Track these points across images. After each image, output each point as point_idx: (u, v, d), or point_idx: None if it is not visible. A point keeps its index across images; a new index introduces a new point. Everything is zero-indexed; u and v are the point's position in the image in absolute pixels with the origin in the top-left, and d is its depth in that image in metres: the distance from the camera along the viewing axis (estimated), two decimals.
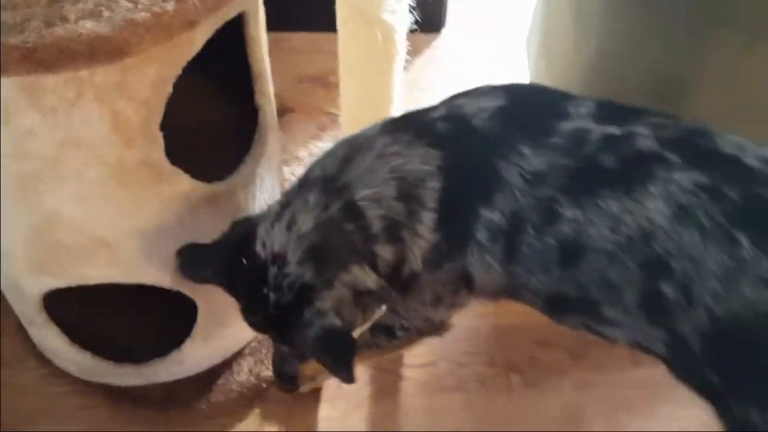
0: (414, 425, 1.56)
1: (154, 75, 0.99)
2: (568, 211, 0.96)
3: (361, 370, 1.59)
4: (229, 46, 1.16)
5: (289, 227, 1.06)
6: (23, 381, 1.57)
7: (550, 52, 1.76)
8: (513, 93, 1.09)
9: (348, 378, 1.08)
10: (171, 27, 0.89)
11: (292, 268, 1.04)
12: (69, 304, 1.37)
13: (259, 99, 1.30)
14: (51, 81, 0.92)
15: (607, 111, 1.02)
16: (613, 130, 0.97)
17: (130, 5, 0.87)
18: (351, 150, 1.09)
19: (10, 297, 1.44)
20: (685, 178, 0.90)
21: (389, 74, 1.57)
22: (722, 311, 0.87)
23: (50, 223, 1.13)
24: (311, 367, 1.26)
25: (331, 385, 1.57)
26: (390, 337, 1.32)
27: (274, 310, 1.07)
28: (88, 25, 0.84)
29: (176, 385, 1.53)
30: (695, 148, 0.95)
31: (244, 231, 1.11)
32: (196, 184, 1.16)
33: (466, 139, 1.04)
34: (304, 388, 1.54)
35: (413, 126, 1.09)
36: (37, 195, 1.08)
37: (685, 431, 1.49)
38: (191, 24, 0.92)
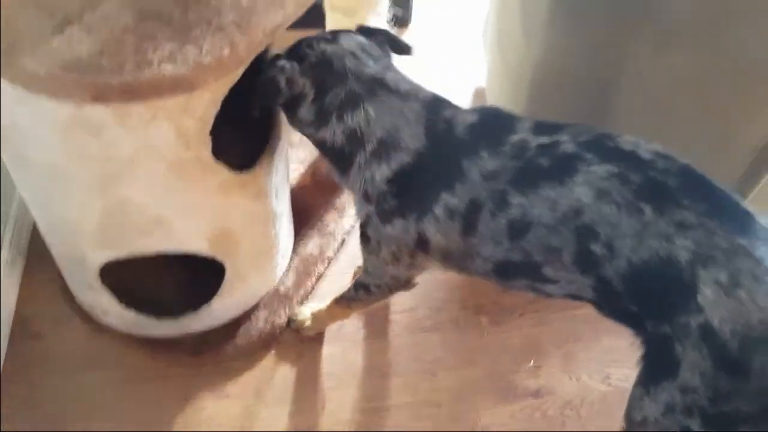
0: (401, 359, 1.83)
1: (209, 97, 1.25)
2: (516, 199, 1.22)
3: (356, 316, 1.86)
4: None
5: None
6: (72, 336, 1.81)
7: (503, 49, 2.01)
8: (483, 113, 1.35)
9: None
10: (228, 67, 1.17)
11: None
12: (119, 271, 1.61)
13: None
14: (135, 106, 1.18)
15: (541, 126, 1.28)
16: (545, 139, 1.25)
17: (196, 51, 1.14)
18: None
19: (69, 267, 1.70)
20: (600, 169, 1.17)
21: None
22: (636, 258, 1.14)
23: (121, 208, 1.39)
24: None
25: (333, 329, 1.85)
26: (368, 293, 1.60)
27: None
28: (168, 68, 1.12)
29: (206, 334, 1.80)
30: (604, 147, 1.21)
31: None
32: (231, 174, 1.43)
33: (445, 140, 1.31)
34: (310, 332, 1.83)
35: (430, 116, 1.33)
36: (112, 186, 1.35)
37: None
38: (241, 62, 1.20)
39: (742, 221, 1.13)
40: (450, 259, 1.39)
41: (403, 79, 1.39)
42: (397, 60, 1.47)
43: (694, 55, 1.50)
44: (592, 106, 1.71)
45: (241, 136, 1.46)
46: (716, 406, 1.09)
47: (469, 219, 1.28)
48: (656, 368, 1.17)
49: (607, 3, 1.55)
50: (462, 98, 2.48)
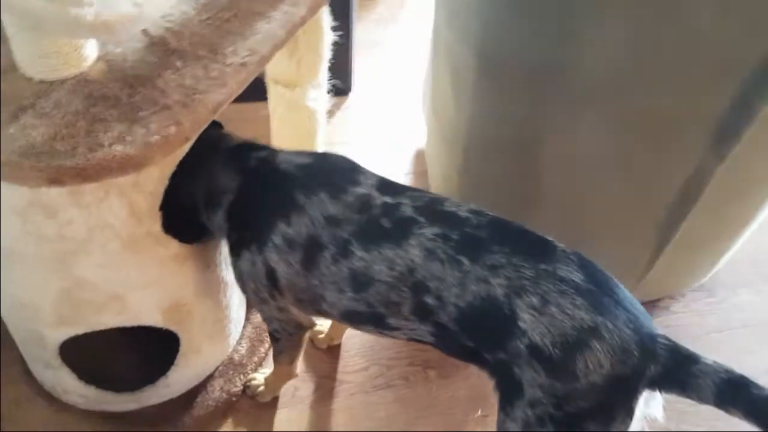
0: (355, 419, 1.89)
1: (158, 173, 1.34)
2: (359, 252, 1.34)
3: (309, 379, 1.95)
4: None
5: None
6: (35, 417, 1.82)
7: (438, 111, 2.14)
8: (318, 158, 1.49)
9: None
10: (174, 144, 1.25)
11: None
12: (77, 349, 1.65)
13: None
14: (88, 185, 1.26)
15: (384, 186, 1.41)
16: (389, 199, 1.37)
17: (143, 131, 1.22)
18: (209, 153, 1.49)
19: (28, 346, 1.74)
20: (428, 231, 1.30)
21: (314, 143, 1.93)
22: (463, 303, 1.27)
23: (77, 286, 1.45)
24: None
25: (287, 393, 1.91)
26: (275, 340, 1.71)
27: None
28: (119, 149, 1.19)
29: (164, 406, 1.83)
30: (433, 211, 1.34)
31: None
32: (182, 246, 1.51)
33: (269, 174, 1.45)
34: (265, 398, 1.89)
35: (239, 157, 1.49)
36: (69, 265, 1.41)
37: None
38: (187, 140, 1.28)
39: (543, 250, 1.28)
40: (302, 302, 1.49)
41: (214, 136, 1.52)
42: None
43: (609, 113, 1.62)
44: (521, 164, 1.84)
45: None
46: (561, 410, 1.22)
47: (309, 254, 1.39)
48: (506, 392, 1.30)
49: (526, 69, 1.67)
50: (403, 159, 2.61)
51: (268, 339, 1.99)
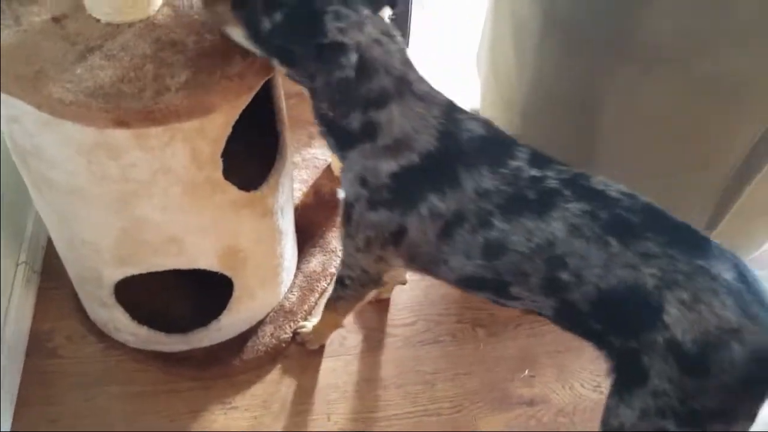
0: (401, 371, 1.91)
1: (222, 121, 1.34)
2: (499, 223, 1.32)
3: (357, 330, 1.97)
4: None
5: None
6: (86, 353, 1.88)
7: (496, 70, 2.10)
8: (491, 130, 1.41)
9: None
10: (239, 92, 1.26)
11: None
12: (131, 288, 1.69)
13: (279, 126, 1.65)
14: (154, 129, 1.27)
15: (535, 158, 1.37)
16: (536, 172, 1.34)
17: (210, 77, 1.23)
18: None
19: (84, 284, 1.77)
20: (574, 207, 1.29)
21: None
22: (604, 285, 1.26)
23: (137, 227, 1.48)
24: None
25: (334, 343, 1.93)
26: (344, 286, 1.68)
27: None
28: (185, 94, 1.20)
29: (215, 348, 1.87)
30: (579, 186, 1.32)
31: None
32: (240, 193, 1.52)
33: (451, 146, 1.37)
34: (313, 345, 1.91)
35: (447, 114, 1.40)
36: (130, 206, 1.43)
37: None
38: (251, 89, 1.29)
39: (699, 245, 1.26)
40: (416, 260, 1.48)
41: (420, 78, 1.43)
42: None
43: (677, 78, 1.58)
44: (581, 127, 1.80)
45: (246, 156, 1.54)
46: (686, 405, 1.21)
47: (449, 226, 1.37)
48: (627, 378, 1.29)
49: (595, 29, 1.63)
50: None
51: (318, 289, 2.02)
